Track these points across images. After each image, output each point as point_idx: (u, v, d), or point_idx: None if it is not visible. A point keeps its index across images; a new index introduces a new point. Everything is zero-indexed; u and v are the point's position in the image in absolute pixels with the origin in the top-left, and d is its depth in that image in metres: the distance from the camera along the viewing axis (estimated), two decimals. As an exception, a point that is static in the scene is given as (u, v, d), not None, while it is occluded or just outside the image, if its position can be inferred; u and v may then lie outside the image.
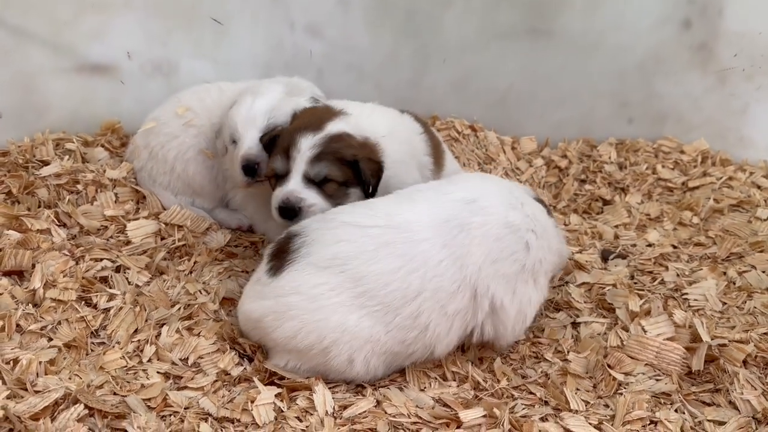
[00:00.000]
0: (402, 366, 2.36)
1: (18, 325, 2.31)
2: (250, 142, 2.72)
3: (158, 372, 2.25)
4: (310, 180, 2.54)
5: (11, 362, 2.11)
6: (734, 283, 2.81)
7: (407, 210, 2.34)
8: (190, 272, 2.80)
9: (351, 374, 2.25)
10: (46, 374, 2.11)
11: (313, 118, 2.67)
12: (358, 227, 2.29)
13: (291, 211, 2.52)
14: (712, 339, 2.41)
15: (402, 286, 2.20)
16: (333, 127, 2.60)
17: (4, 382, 2.01)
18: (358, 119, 2.70)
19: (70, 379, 2.12)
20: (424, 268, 2.22)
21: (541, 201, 2.63)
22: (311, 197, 2.53)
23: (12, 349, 2.16)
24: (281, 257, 2.32)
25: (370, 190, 2.58)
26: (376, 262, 2.21)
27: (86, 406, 1.97)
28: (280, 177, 2.59)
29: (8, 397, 1.95)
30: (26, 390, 2.01)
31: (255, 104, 2.77)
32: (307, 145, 2.54)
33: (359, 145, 2.60)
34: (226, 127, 2.83)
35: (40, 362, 2.12)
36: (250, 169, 2.72)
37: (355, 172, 2.57)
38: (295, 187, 2.53)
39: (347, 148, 2.57)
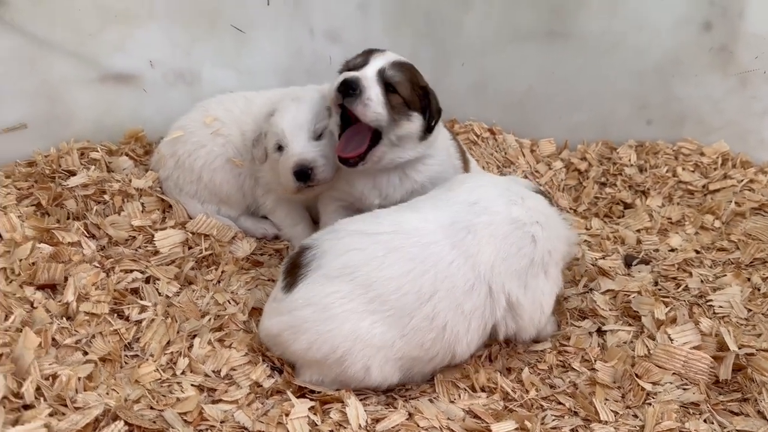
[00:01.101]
0: (424, 372, 2.38)
1: (53, 339, 2.35)
2: (302, 147, 2.72)
3: (192, 385, 2.29)
4: (383, 77, 2.56)
5: (50, 378, 2.14)
6: (759, 290, 2.82)
7: (413, 217, 2.38)
8: (218, 282, 2.84)
9: (369, 382, 2.27)
10: (85, 390, 2.14)
11: None
12: (366, 235, 2.33)
13: (351, 85, 2.49)
14: (739, 348, 2.42)
15: (414, 289, 2.23)
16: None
17: (45, 399, 2.04)
18: None
19: (107, 394, 2.16)
20: (435, 269, 2.25)
21: (541, 192, 2.65)
22: (375, 90, 2.53)
23: (50, 364, 2.19)
24: (294, 272, 2.36)
25: (433, 123, 2.68)
26: (386, 267, 2.24)
27: (126, 423, 2.01)
28: (350, 69, 2.62)
29: (50, 415, 1.98)
30: (66, 406, 2.05)
31: (300, 110, 2.77)
32: (391, 55, 2.65)
33: (427, 85, 2.74)
34: (270, 134, 2.81)
35: (79, 378, 2.15)
36: (303, 173, 2.70)
37: (423, 100, 2.65)
38: (368, 74, 2.54)
39: (420, 78, 2.69)
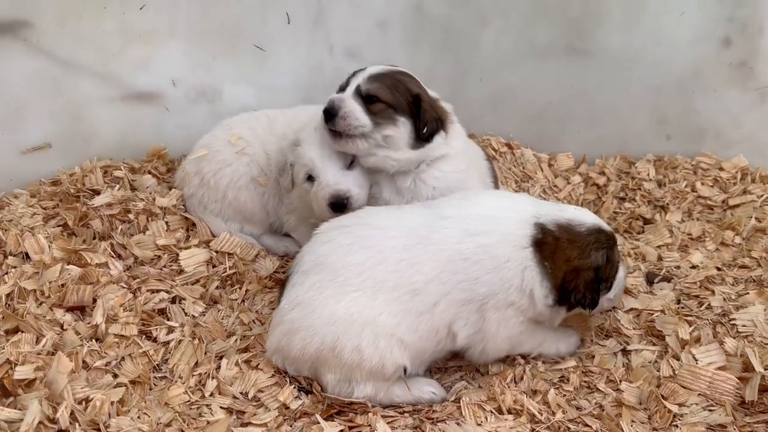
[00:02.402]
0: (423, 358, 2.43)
1: (84, 362, 2.37)
2: (336, 178, 2.70)
3: (221, 407, 2.31)
4: (359, 95, 2.66)
5: (83, 402, 2.17)
6: (782, 308, 2.81)
7: (388, 214, 2.50)
8: (243, 301, 2.86)
9: (367, 363, 2.28)
10: (117, 414, 2.16)
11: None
12: (338, 227, 2.47)
13: (329, 111, 2.64)
14: (765, 368, 2.42)
15: (372, 275, 2.31)
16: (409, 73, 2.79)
17: (79, 424, 2.07)
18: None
19: (139, 417, 2.18)
20: (387, 262, 2.33)
21: (544, 226, 2.41)
22: (352, 105, 2.65)
23: (82, 387, 2.22)
24: (284, 285, 2.48)
25: (425, 130, 2.69)
26: (351, 254, 2.35)
27: (160, 448, 2.04)
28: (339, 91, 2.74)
29: (86, 441, 2.01)
30: (100, 431, 2.07)
31: (327, 140, 2.74)
32: (373, 69, 2.73)
33: (429, 98, 2.78)
34: (299, 165, 2.80)
35: (111, 402, 2.17)
36: (339, 205, 2.68)
37: (413, 107, 2.69)
38: (345, 97, 2.67)
39: (414, 85, 2.74)
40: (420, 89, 2.76)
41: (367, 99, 2.65)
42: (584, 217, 2.49)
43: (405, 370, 2.37)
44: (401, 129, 2.69)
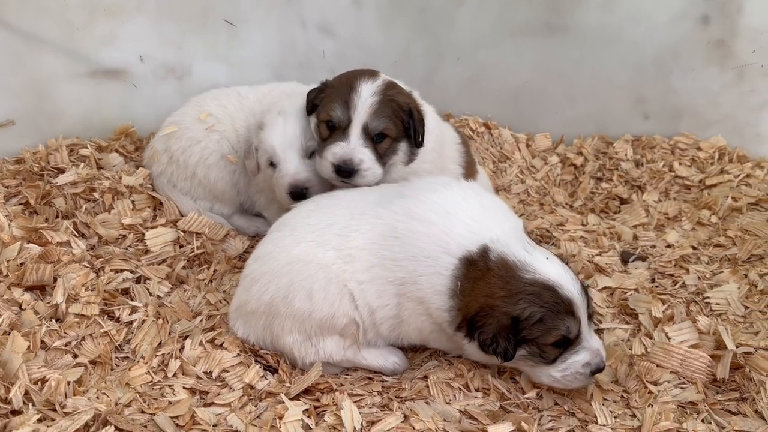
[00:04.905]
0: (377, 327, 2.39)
1: (42, 342, 2.30)
2: (295, 167, 2.71)
3: (184, 387, 2.25)
4: (367, 134, 2.57)
5: (39, 382, 2.10)
6: (756, 287, 2.79)
7: (360, 191, 2.54)
8: (210, 281, 2.80)
9: (319, 312, 2.28)
10: (74, 394, 2.10)
11: (361, 70, 2.70)
12: (311, 201, 2.55)
13: (348, 173, 2.56)
14: (737, 346, 2.40)
15: (322, 236, 2.35)
16: (384, 76, 2.68)
17: (33, 404, 2.01)
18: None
19: (98, 398, 2.12)
20: (334, 226, 2.37)
21: (488, 251, 2.21)
22: (368, 159, 2.57)
23: (39, 368, 2.15)
24: None
25: (420, 139, 2.65)
26: (309, 217, 2.43)
27: (117, 428, 1.97)
28: (335, 128, 2.60)
29: (39, 421, 1.95)
30: (56, 411, 2.01)
31: (288, 125, 2.73)
32: (368, 92, 2.58)
33: (408, 95, 2.70)
34: (261, 150, 2.80)
35: (68, 382, 2.11)
36: (298, 194, 2.69)
37: (405, 123, 2.62)
38: (356, 145, 2.57)
39: (401, 95, 2.66)
40: (406, 97, 2.67)
41: (374, 138, 2.58)
42: (544, 270, 2.18)
43: (358, 329, 2.35)
44: (400, 154, 2.68)
